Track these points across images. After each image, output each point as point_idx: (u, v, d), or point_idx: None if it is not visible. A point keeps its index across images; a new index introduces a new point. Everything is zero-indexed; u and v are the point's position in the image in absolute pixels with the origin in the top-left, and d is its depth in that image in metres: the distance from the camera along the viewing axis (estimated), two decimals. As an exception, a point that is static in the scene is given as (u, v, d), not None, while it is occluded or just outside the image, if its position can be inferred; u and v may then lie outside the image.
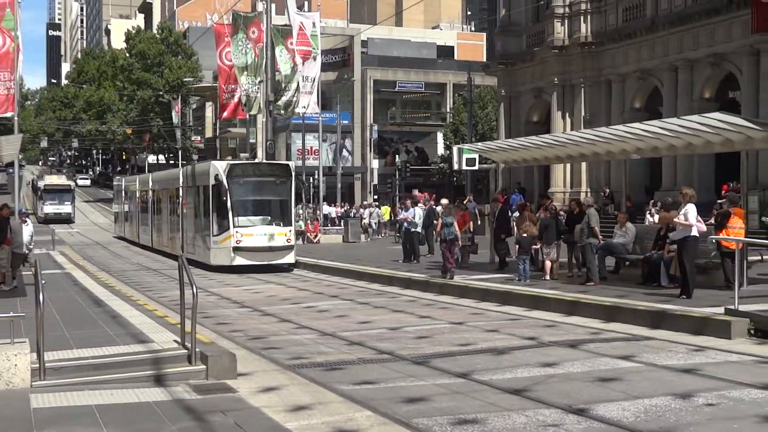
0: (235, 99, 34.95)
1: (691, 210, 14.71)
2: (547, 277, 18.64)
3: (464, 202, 31.62)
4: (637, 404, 8.19)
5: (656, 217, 24.83)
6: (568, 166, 40.64)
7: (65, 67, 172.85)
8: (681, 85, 35.64)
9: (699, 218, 14.97)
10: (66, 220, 63.30)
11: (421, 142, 72.29)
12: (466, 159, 38.09)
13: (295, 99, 35.40)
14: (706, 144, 17.06)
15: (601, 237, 17.94)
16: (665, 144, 17.93)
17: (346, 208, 50.66)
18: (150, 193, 38.43)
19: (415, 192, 44.38)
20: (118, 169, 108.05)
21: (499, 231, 22.06)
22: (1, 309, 13.18)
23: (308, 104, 35.46)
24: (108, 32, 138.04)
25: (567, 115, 41.92)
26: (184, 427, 7.48)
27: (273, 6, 34.89)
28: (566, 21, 42.08)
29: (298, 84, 35.07)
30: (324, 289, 20.80)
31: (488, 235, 25.70)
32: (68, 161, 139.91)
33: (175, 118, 77.23)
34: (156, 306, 15.81)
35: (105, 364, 9.55)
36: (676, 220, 15.06)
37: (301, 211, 39.19)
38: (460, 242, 21.14)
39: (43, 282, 9.80)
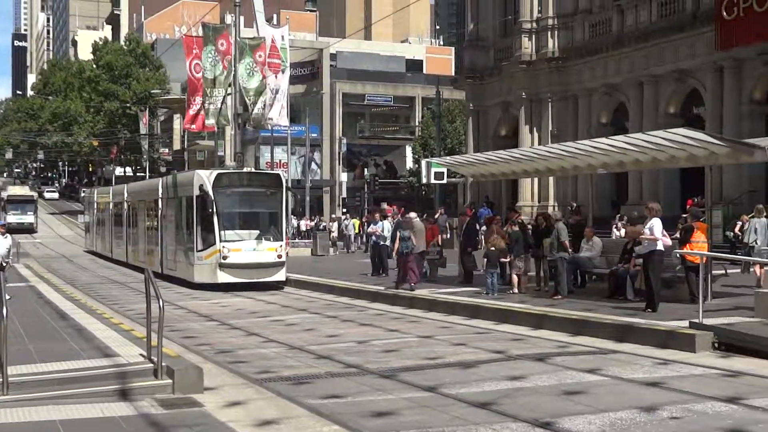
0: (203, 111, 34.78)
1: (656, 224, 14.88)
2: (515, 291, 18.73)
3: (435, 215, 31.78)
4: (602, 417, 8.25)
5: (622, 231, 25.05)
6: (536, 180, 40.88)
7: (31, 78, 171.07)
8: (646, 101, 36.08)
9: (664, 232, 15.15)
10: (28, 230, 64.11)
11: (389, 155, 72.46)
12: (435, 173, 38.23)
13: (263, 112, 35.31)
14: (671, 159, 17.29)
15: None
16: (631, 159, 18.12)
17: (316, 221, 50.56)
18: (125, 204, 36.62)
19: (384, 205, 44.44)
20: (85, 181, 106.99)
21: (466, 244, 22.15)
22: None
23: (277, 117, 35.37)
24: (75, 43, 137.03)
25: (535, 129, 42.22)
26: (150, 442, 7.42)
27: (242, 18, 34.85)
28: (534, 36, 42.45)
29: (267, 97, 35.01)
30: (292, 303, 20.73)
31: (457, 249, 25.78)
32: (34, 173, 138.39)
33: (143, 130, 76.77)
34: (122, 319, 15.65)
35: (69, 379, 9.43)
36: (641, 235, 15.23)
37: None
38: (414, 255, 21.36)
39: (9, 297, 9.67)
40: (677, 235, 16.95)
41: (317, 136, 65.35)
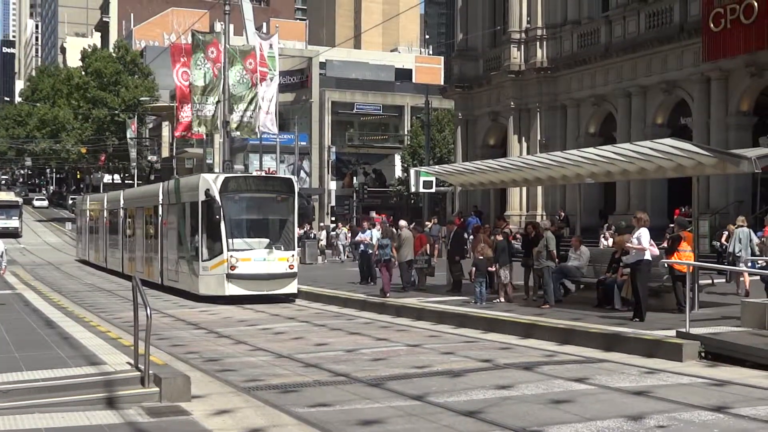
0: (191, 118, 34.72)
1: (644, 234, 14.95)
2: (502, 300, 18.77)
3: (427, 225, 31.84)
4: (590, 426, 8.27)
5: (610, 241, 25.15)
6: (524, 189, 41.01)
7: (19, 85, 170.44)
8: (634, 111, 36.26)
9: (652, 242, 15.21)
10: (13, 234, 65.46)
11: (378, 164, 72.50)
12: (423, 181, 38.26)
13: (252, 119, 35.30)
14: (658, 169, 17.36)
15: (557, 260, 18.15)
16: (618, 169, 18.20)
17: (306, 229, 50.40)
18: (121, 212, 34.83)
19: (373, 214, 44.46)
20: (73, 188, 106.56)
21: (454, 253, 22.19)
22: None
23: (266, 125, 35.36)
24: (63, 50, 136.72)
25: (523, 139, 42.36)
26: (137, 450, 7.39)
27: (231, 27, 34.89)
28: (522, 46, 42.63)
29: (256, 104, 35.02)
30: (280, 311, 20.70)
31: (445, 258, 25.80)
32: (21, 180, 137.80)
33: (131, 137, 76.57)
34: (109, 327, 15.61)
35: (56, 387, 9.39)
36: (629, 244, 15.30)
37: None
38: (401, 264, 21.80)
39: (2, 304, 9.63)
40: (664, 244, 17.03)
41: (306, 145, 65.38)
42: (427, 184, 38.76)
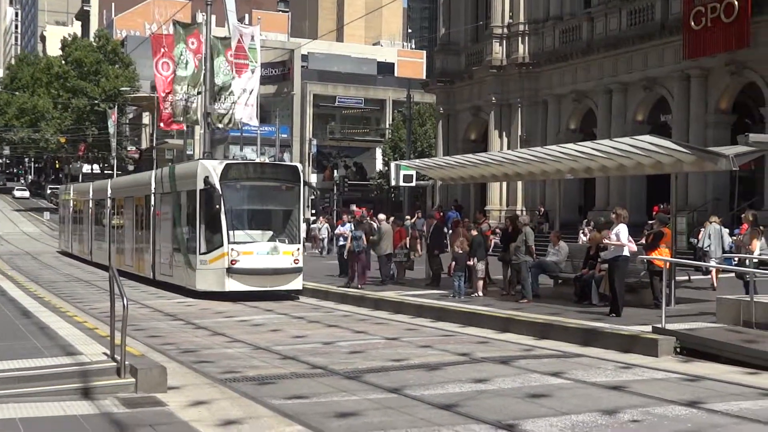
0: (171, 109, 34.51)
1: (622, 230, 15.04)
2: (480, 293, 18.84)
3: (412, 219, 31.89)
4: (564, 420, 8.32)
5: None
6: (505, 184, 41.12)
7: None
8: (615, 108, 36.42)
9: (630, 238, 15.31)
10: None
11: (359, 157, 72.49)
12: (404, 175, 38.19)
13: (233, 111, 35.15)
14: (637, 166, 17.47)
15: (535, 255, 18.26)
16: (598, 165, 18.29)
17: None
18: (108, 201, 33.03)
19: (353, 207, 44.39)
20: (51, 178, 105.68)
21: (433, 247, 22.23)
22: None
23: (247, 117, 35.23)
24: (43, 39, 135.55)
25: (504, 134, 42.45)
26: (111, 441, 7.37)
27: (213, 17, 34.70)
28: (504, 41, 42.68)
29: (237, 96, 34.87)
30: (259, 303, 20.64)
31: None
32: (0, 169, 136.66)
33: (111, 127, 76.10)
34: (86, 318, 15.50)
35: (31, 377, 9.33)
36: (606, 240, 15.39)
37: None
38: (381, 256, 22.19)
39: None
40: (642, 241, 17.15)
41: (287, 137, 65.23)
42: (408, 178, 38.69)
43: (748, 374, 10.72)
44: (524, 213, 35.65)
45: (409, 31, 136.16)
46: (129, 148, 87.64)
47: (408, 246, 23.59)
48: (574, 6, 40.09)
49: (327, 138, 70.35)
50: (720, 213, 25.83)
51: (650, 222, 20.54)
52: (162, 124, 36.41)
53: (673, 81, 33.61)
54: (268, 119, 61.67)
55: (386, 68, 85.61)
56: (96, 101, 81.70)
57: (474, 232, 19.39)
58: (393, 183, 43.34)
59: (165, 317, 17.77)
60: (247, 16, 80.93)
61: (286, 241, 21.97)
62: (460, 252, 18.97)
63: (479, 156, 22.10)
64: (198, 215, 21.92)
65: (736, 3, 29.08)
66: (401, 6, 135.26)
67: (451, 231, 23.81)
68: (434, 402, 9.16)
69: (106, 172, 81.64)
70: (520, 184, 40.25)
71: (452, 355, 12.45)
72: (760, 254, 15.44)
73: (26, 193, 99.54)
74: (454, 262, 19.22)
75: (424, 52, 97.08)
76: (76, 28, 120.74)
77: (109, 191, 33.42)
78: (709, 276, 20.29)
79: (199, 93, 33.24)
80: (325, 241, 41.19)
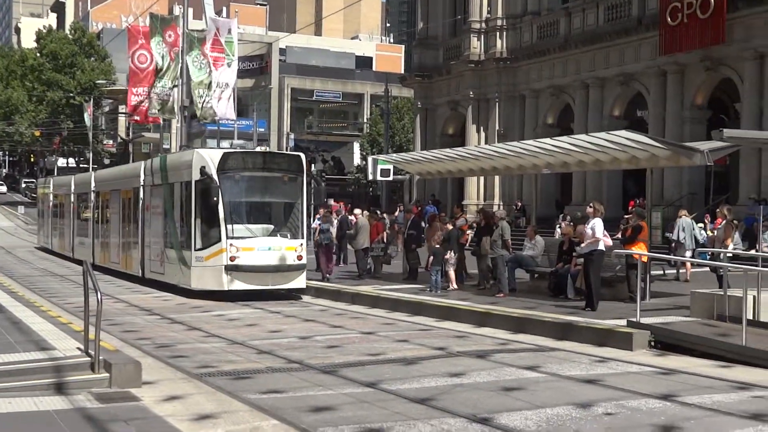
0: (146, 102, 34.32)
1: (597, 224, 15.12)
2: (454, 286, 18.90)
3: (395, 214, 31.94)
4: (539, 413, 8.35)
5: (565, 231, 25.50)
6: (482, 178, 41.23)
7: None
8: (592, 103, 36.57)
9: (605, 233, 15.39)
10: None
11: (337, 151, 72.36)
12: (381, 170, 38.33)
13: (210, 105, 34.97)
14: (613, 161, 17.56)
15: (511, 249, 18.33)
16: (575, 160, 18.37)
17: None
18: (92, 195, 31.28)
19: (331, 201, 44.30)
20: (26, 171, 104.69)
21: (411, 242, 22.25)
22: None
23: (224, 110, 35.06)
24: (18, 31, 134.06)
25: (482, 128, 42.52)
26: (84, 436, 7.31)
27: (190, 10, 34.51)
28: (482, 36, 42.74)
29: (213, 90, 34.71)
30: (233, 297, 20.51)
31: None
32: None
33: (87, 120, 75.48)
34: (60, 312, 15.38)
35: (3, 372, 9.22)
36: (580, 234, 15.48)
37: None
38: (359, 251, 22.44)
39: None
40: (618, 235, 17.26)
41: (265, 131, 65.04)
42: (385, 173, 38.83)
43: (721, 367, 10.82)
44: (501, 207, 35.78)
45: (388, 25, 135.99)
46: (105, 142, 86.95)
47: (386, 240, 23.59)
48: (552, 1, 40.19)
49: (305, 132, 70.17)
50: (695, 208, 26.06)
51: (626, 216, 20.70)
52: (137, 117, 36.10)
53: (649, 76, 33.79)
54: (246, 113, 61.34)
55: (364, 62, 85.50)
56: (71, 94, 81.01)
57: (449, 226, 19.45)
58: (370, 177, 43.40)
59: (141, 312, 17.67)
60: (225, 9, 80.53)
61: (289, 236, 20.61)
62: (438, 246, 19.01)
63: (456, 150, 22.15)
64: (193, 208, 20.56)
65: None
66: (380, 0, 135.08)
67: (428, 225, 23.85)
68: (410, 396, 9.17)
69: (81, 165, 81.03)
70: (497, 178, 40.38)
71: (429, 349, 12.47)
72: (734, 248, 15.59)
73: (3, 188, 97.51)
74: (431, 257, 19.25)
75: (403, 46, 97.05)
76: (52, 20, 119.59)
77: (93, 184, 31.69)
78: (683, 269, 20.50)
79: (175, 86, 33.07)
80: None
